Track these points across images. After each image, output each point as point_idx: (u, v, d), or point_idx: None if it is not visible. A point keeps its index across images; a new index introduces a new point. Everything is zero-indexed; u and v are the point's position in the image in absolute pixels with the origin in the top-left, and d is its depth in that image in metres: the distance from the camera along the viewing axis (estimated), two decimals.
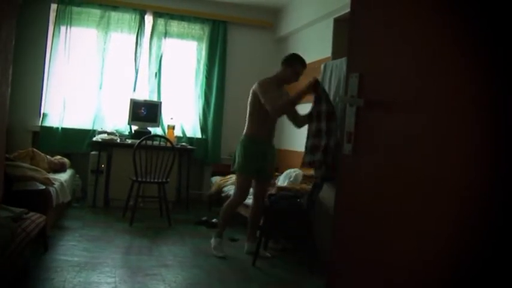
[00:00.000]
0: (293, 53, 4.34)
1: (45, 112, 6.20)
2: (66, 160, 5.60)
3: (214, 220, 5.27)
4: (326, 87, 4.55)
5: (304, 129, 4.59)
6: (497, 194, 1.15)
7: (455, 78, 1.30)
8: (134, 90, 6.52)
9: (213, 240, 4.28)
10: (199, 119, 6.77)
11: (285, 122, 6.54)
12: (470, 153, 1.23)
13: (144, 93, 6.57)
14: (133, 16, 6.51)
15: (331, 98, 4.39)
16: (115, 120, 6.45)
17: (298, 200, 4.11)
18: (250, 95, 4.24)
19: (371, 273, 1.59)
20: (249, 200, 4.80)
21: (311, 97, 4.61)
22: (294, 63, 4.21)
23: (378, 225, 1.57)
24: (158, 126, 6.50)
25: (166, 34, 6.68)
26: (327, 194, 4.13)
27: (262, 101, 4.05)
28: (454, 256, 1.26)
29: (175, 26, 6.76)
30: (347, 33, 1.86)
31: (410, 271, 1.41)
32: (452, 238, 1.26)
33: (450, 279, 1.26)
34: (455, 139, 1.28)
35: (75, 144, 6.26)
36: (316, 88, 3.94)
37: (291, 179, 4.91)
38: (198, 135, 6.75)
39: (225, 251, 4.22)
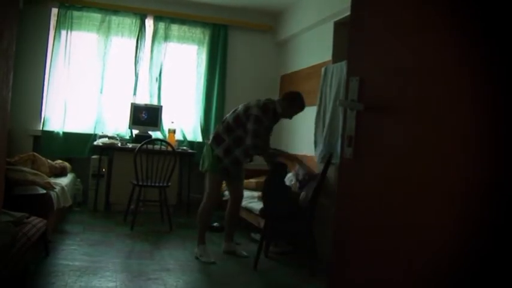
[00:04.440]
0: (299, 95, 4.23)
1: (46, 116, 6.20)
2: (67, 164, 5.60)
3: (215, 224, 5.26)
4: (327, 91, 4.56)
5: (306, 134, 4.59)
6: (499, 195, 1.15)
7: (456, 81, 1.30)
8: (135, 94, 6.52)
9: (196, 250, 4.22)
10: (200, 123, 6.76)
11: (285, 125, 6.55)
12: (472, 155, 1.23)
13: (145, 97, 6.57)
14: (133, 20, 6.52)
15: (332, 101, 4.40)
16: (116, 124, 6.45)
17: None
18: (243, 112, 4.15)
19: (372, 276, 1.59)
20: (251, 204, 4.81)
21: (314, 100, 4.64)
22: (296, 106, 4.19)
23: (379, 227, 1.57)
24: (159, 130, 6.51)
25: (166, 38, 6.68)
26: (328, 197, 4.13)
27: (249, 126, 4.04)
28: (455, 261, 1.26)
29: (175, 29, 6.76)
30: (347, 37, 1.86)
31: (412, 273, 1.40)
32: (454, 241, 1.26)
33: (451, 282, 1.26)
34: (456, 142, 1.28)
35: (76, 148, 6.26)
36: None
37: (293, 182, 4.90)
38: (199, 139, 6.75)
39: (212, 256, 4.17)
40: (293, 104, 4.17)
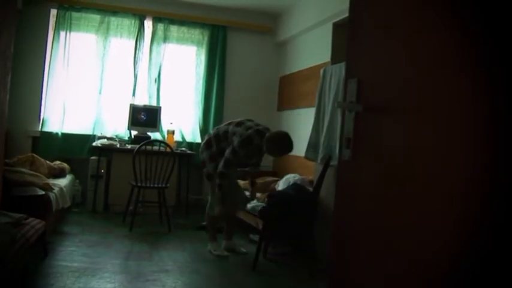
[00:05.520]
0: (284, 140, 4.04)
1: (45, 117, 6.19)
2: (65, 165, 5.59)
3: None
4: (326, 92, 4.56)
5: (304, 133, 4.59)
6: (499, 195, 1.15)
7: (456, 82, 1.30)
8: (134, 95, 6.52)
9: (209, 247, 4.43)
10: (199, 124, 6.76)
11: (281, 125, 6.55)
12: (472, 155, 1.23)
13: (144, 98, 6.57)
14: (132, 21, 6.52)
15: (331, 102, 4.40)
16: (115, 125, 6.45)
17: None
18: (231, 133, 4.21)
19: (372, 276, 1.59)
20: (250, 205, 4.81)
21: (313, 101, 4.63)
22: (280, 150, 4.10)
23: (379, 228, 1.57)
24: (158, 131, 6.50)
25: (165, 39, 6.69)
26: (327, 199, 4.13)
27: (226, 153, 4.15)
28: (455, 261, 1.26)
29: (174, 30, 6.77)
30: (346, 38, 1.86)
31: (412, 273, 1.41)
32: (454, 242, 1.26)
33: (451, 282, 1.26)
34: (456, 142, 1.28)
35: (75, 149, 6.25)
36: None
37: (290, 184, 4.90)
38: (198, 140, 6.74)
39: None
40: (278, 148, 4.07)
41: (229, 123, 4.31)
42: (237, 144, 4.05)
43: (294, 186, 4.40)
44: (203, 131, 6.72)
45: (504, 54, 1.14)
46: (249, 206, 4.80)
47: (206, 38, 6.84)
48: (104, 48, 6.41)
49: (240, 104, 6.82)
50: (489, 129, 1.18)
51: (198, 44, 6.87)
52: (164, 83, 6.68)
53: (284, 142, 4.04)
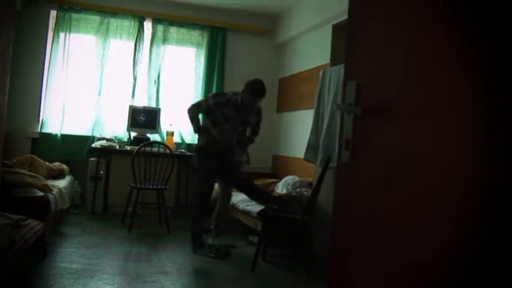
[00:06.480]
0: (256, 82, 4.44)
1: (44, 118, 6.19)
2: (65, 166, 5.59)
3: (212, 227, 5.25)
4: (325, 94, 4.56)
5: (303, 135, 4.59)
6: (498, 196, 1.15)
7: (455, 83, 1.30)
8: (133, 96, 6.52)
9: (211, 241, 4.58)
10: None
11: (280, 127, 6.56)
12: (471, 156, 1.23)
13: (143, 100, 6.57)
14: (132, 22, 6.53)
15: (330, 104, 4.40)
16: (114, 127, 6.45)
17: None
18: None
19: (372, 277, 1.59)
20: (249, 207, 4.81)
21: (313, 103, 4.64)
22: (255, 93, 4.40)
23: (378, 229, 1.57)
24: (157, 132, 6.50)
25: (165, 40, 6.69)
26: (326, 200, 4.13)
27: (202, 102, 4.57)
28: (454, 262, 1.26)
29: (174, 32, 6.78)
30: (345, 40, 1.86)
31: (412, 274, 1.40)
32: (454, 242, 1.26)
33: (451, 283, 1.26)
34: (456, 143, 1.28)
35: (74, 150, 6.25)
36: None
37: (289, 187, 4.89)
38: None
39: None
40: (252, 91, 4.39)
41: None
42: (211, 94, 4.46)
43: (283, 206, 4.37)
44: None
45: (504, 54, 1.14)
46: (247, 208, 4.79)
47: (205, 40, 6.85)
48: (104, 49, 6.42)
49: None
50: (489, 129, 1.18)
51: (198, 45, 6.87)
52: (163, 85, 6.68)
53: (256, 81, 4.46)
